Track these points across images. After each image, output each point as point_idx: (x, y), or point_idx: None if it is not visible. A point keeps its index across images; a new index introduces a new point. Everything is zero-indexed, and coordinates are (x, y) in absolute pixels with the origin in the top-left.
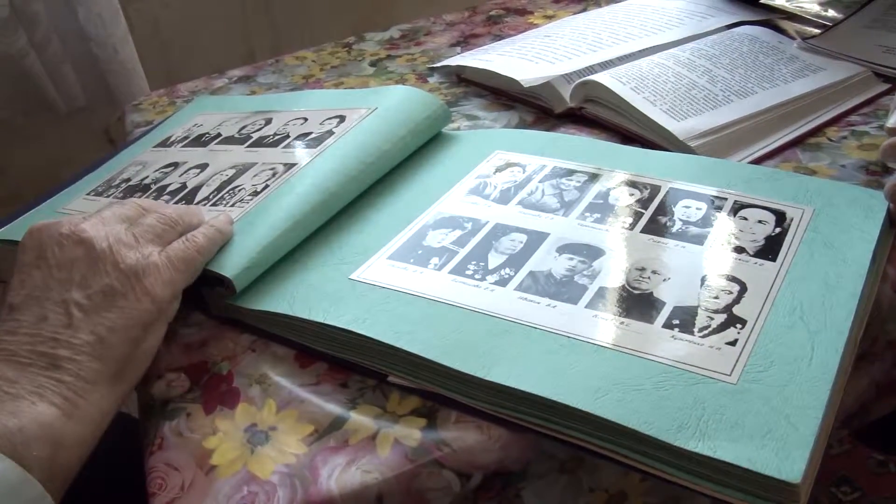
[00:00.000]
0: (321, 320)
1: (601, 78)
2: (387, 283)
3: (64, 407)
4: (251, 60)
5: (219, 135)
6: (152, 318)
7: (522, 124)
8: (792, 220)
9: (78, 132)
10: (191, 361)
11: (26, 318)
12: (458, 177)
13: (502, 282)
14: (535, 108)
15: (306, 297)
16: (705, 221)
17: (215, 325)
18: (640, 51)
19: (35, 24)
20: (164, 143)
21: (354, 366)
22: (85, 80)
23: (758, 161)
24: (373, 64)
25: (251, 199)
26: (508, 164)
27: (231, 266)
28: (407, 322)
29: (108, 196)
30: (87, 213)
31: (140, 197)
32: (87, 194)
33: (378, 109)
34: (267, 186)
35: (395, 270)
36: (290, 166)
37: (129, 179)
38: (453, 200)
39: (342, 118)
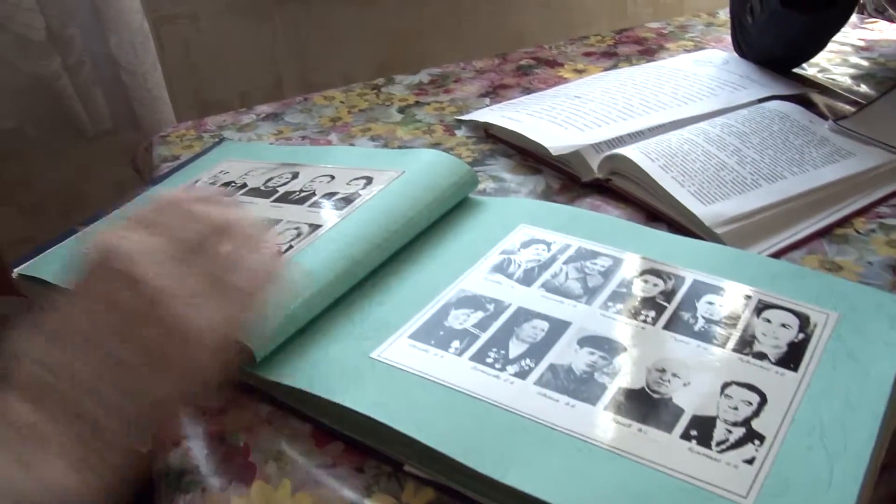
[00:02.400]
0: (340, 402)
1: (630, 153)
2: (407, 365)
3: (83, 468)
4: (278, 87)
5: (245, 185)
6: (193, 381)
7: (549, 191)
8: (816, 325)
9: (102, 154)
10: (208, 429)
11: (63, 358)
12: (483, 251)
13: (522, 374)
14: (562, 174)
15: (326, 375)
16: (729, 321)
17: (233, 391)
18: (671, 122)
19: (69, 48)
20: (191, 188)
21: (371, 449)
22: (113, 105)
23: (784, 251)
24: (401, 110)
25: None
26: (533, 241)
27: (251, 333)
28: (426, 411)
29: None
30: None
31: None
32: None
33: (406, 174)
34: (291, 247)
35: (416, 352)
36: (315, 227)
37: None
38: (477, 277)
39: (369, 180)
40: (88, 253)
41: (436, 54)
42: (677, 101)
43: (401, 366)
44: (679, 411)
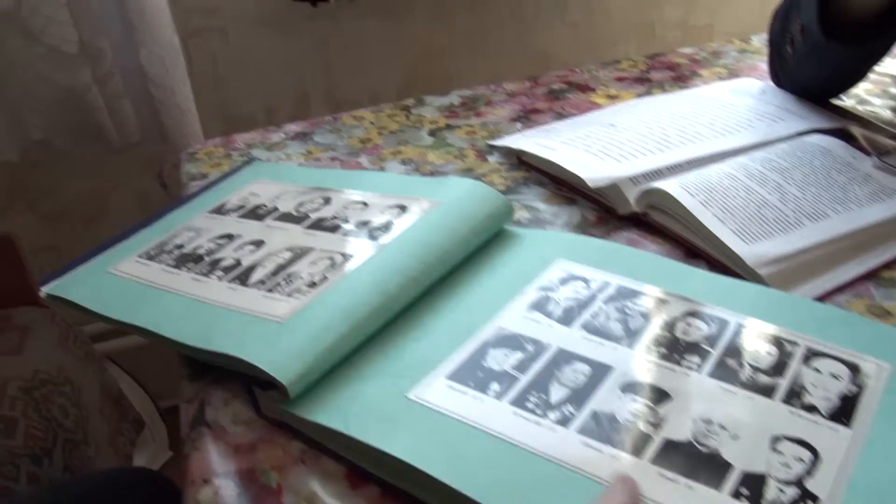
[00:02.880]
0: (376, 444)
1: (670, 188)
2: (445, 408)
3: None
4: (305, 102)
5: (275, 209)
6: None
7: (584, 223)
8: (868, 378)
9: (126, 165)
10: (239, 466)
11: None
12: (520, 286)
13: (564, 421)
14: (598, 205)
15: (361, 415)
16: (776, 369)
17: (265, 427)
18: (708, 155)
19: (100, 60)
20: (220, 210)
21: (407, 494)
22: (141, 117)
23: (829, 294)
24: (432, 133)
25: (308, 291)
26: (572, 277)
27: (286, 370)
28: (466, 458)
29: (161, 261)
30: (137, 277)
31: (192, 267)
32: (139, 256)
33: (441, 204)
34: (325, 278)
35: (455, 394)
36: (348, 257)
37: (181, 246)
38: (515, 315)
39: (403, 208)
40: None
41: (461, 72)
42: (715, 133)
43: (439, 408)
44: (728, 468)
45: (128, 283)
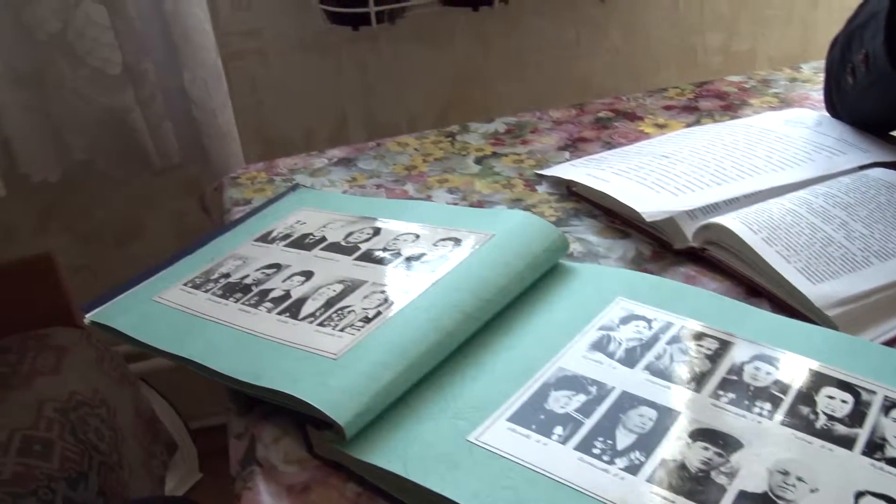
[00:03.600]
0: (438, 490)
1: (730, 223)
2: (508, 452)
3: None
4: (343, 126)
5: (323, 238)
6: None
7: (639, 257)
8: None
9: (162, 186)
10: None
11: None
12: (579, 325)
13: (633, 468)
14: (653, 239)
15: (420, 458)
16: (853, 419)
17: (318, 467)
18: (767, 189)
19: (143, 82)
20: (266, 239)
21: None
22: (182, 139)
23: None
24: (478, 161)
25: (362, 327)
26: (633, 317)
27: (342, 410)
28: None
29: (207, 290)
30: (183, 306)
31: (240, 298)
32: (185, 284)
33: (495, 237)
34: (379, 314)
35: (517, 437)
36: (401, 292)
37: (228, 275)
38: (575, 355)
39: (457, 242)
40: None
41: (500, 98)
42: (772, 166)
43: (501, 453)
44: None
45: (173, 312)
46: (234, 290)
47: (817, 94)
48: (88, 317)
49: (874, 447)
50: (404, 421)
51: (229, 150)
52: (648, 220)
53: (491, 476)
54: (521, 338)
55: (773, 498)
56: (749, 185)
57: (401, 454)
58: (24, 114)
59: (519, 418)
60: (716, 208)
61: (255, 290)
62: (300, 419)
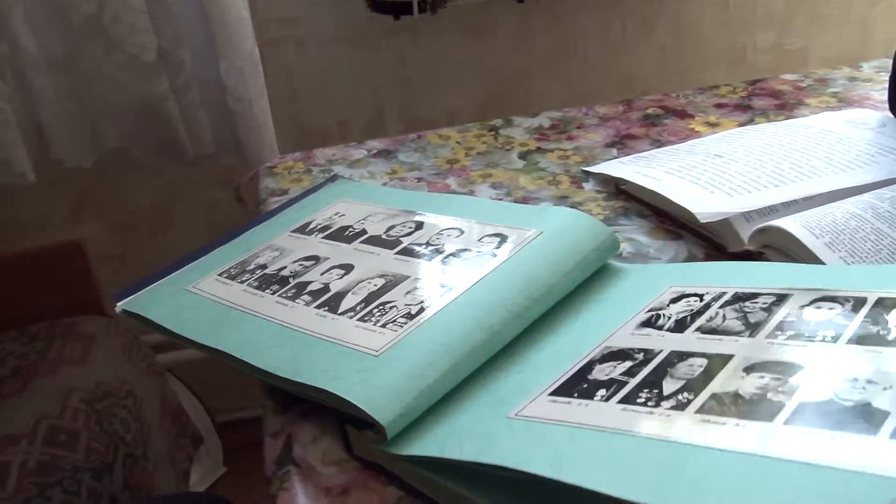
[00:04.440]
0: (473, 459)
1: (790, 226)
2: (549, 418)
3: None
4: (379, 118)
5: (364, 231)
6: None
7: (692, 259)
8: None
9: (196, 176)
10: None
11: None
12: (628, 313)
13: (680, 406)
14: (706, 241)
15: (458, 439)
16: None
17: (358, 469)
18: (827, 192)
19: (178, 71)
20: (303, 230)
21: None
22: (216, 129)
23: None
24: (522, 156)
25: (405, 323)
26: (684, 295)
27: (385, 409)
28: (570, 456)
29: (243, 281)
30: (218, 297)
31: (277, 290)
32: (220, 275)
33: (543, 234)
34: (422, 310)
35: (558, 406)
36: (446, 288)
37: (265, 266)
38: (623, 334)
39: (503, 238)
40: None
41: (542, 94)
42: (833, 168)
43: (541, 420)
44: (883, 414)
45: (208, 303)
46: (271, 281)
47: (879, 94)
48: (120, 305)
49: None
50: (443, 415)
51: (264, 141)
52: (702, 221)
53: (530, 441)
54: (567, 332)
55: (840, 400)
56: (808, 187)
57: (438, 441)
58: (58, 99)
59: (561, 391)
60: (773, 211)
61: (293, 282)
62: (339, 418)
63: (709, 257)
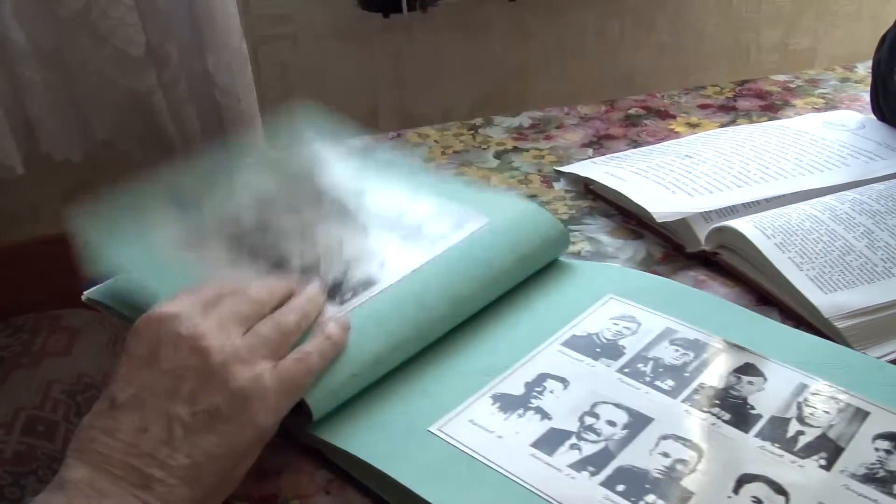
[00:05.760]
0: (384, 469)
1: (743, 226)
2: (464, 442)
3: None
4: (373, 116)
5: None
6: (251, 447)
7: (649, 259)
8: None
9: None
10: (262, 492)
11: (126, 423)
12: (562, 323)
13: (589, 471)
14: (667, 241)
15: (381, 443)
16: (839, 436)
17: (295, 453)
18: (791, 193)
19: (166, 65)
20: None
21: None
22: (204, 124)
23: None
24: (497, 155)
25: (350, 298)
26: (621, 317)
27: (312, 390)
28: (475, 493)
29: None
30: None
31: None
32: None
33: (492, 224)
34: (359, 292)
35: (475, 430)
36: (389, 269)
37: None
38: (551, 352)
39: (452, 223)
40: (148, 320)
41: (539, 94)
42: (801, 170)
43: (457, 442)
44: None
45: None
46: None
47: (868, 95)
48: (87, 293)
49: (854, 468)
50: (375, 408)
51: (253, 137)
52: (659, 220)
53: (444, 465)
54: (502, 334)
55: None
56: (772, 188)
57: (364, 438)
58: (47, 92)
59: (479, 413)
60: (733, 211)
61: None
62: None
63: (667, 258)
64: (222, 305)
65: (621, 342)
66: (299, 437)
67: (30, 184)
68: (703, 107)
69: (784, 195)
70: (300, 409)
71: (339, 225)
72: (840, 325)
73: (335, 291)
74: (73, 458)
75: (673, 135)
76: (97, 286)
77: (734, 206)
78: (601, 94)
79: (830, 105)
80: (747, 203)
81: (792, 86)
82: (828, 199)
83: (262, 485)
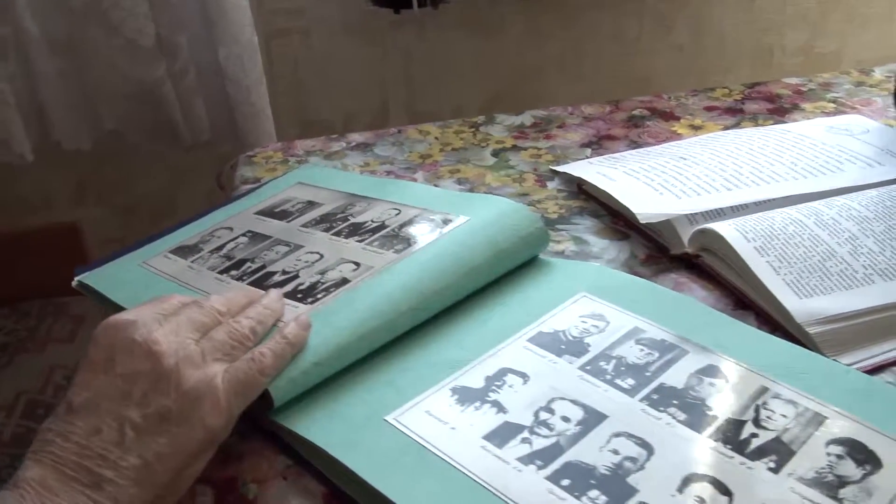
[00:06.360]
0: (336, 455)
1: (723, 229)
2: (417, 432)
3: None
4: (384, 112)
5: (305, 213)
6: (202, 448)
7: (632, 260)
8: (888, 468)
9: (198, 163)
10: (223, 475)
11: (80, 426)
12: (531, 319)
13: (536, 465)
14: (653, 243)
15: (335, 428)
16: (792, 439)
17: (258, 439)
18: (781, 197)
19: (175, 56)
20: (253, 213)
21: None
22: (213, 116)
23: (884, 366)
24: (495, 154)
25: (320, 298)
26: (591, 315)
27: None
28: (423, 485)
29: (188, 259)
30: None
31: (216, 267)
32: (170, 252)
33: (470, 222)
34: (331, 291)
35: (430, 420)
36: (363, 269)
37: (213, 246)
38: (515, 348)
39: (435, 223)
40: (106, 327)
41: (553, 94)
42: (794, 174)
43: (411, 432)
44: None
45: (154, 278)
46: (214, 260)
47: (882, 99)
48: (78, 279)
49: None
50: (335, 398)
51: (262, 129)
52: (642, 220)
53: (395, 452)
54: (469, 329)
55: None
56: (761, 192)
57: (321, 425)
58: (59, 81)
59: (436, 405)
60: (720, 214)
61: (233, 260)
62: None
63: (649, 259)
64: (180, 314)
65: (587, 340)
66: (262, 423)
67: (45, 173)
68: (709, 109)
69: (774, 199)
70: (264, 396)
71: (316, 240)
72: (812, 330)
73: (309, 292)
74: (30, 460)
75: (675, 136)
76: (88, 272)
77: (721, 209)
78: (616, 97)
79: (840, 109)
80: (735, 206)
81: (804, 89)
82: (816, 203)
83: (224, 468)
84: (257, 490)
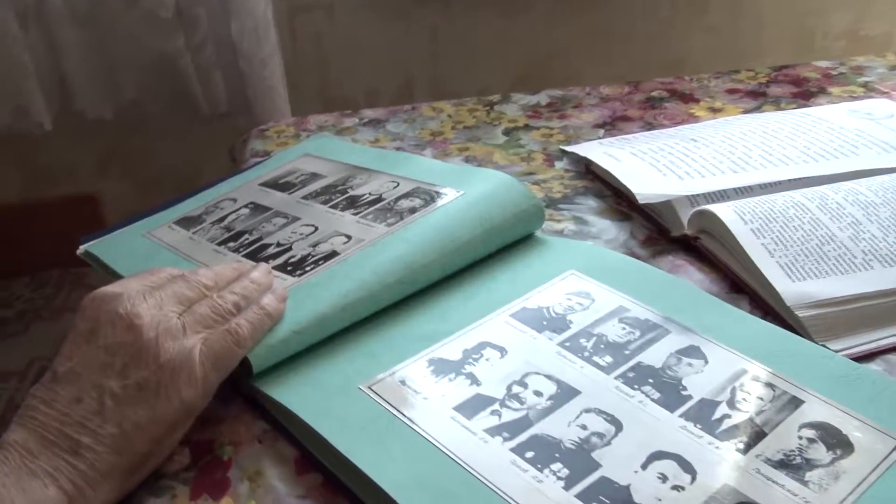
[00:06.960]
0: (307, 420)
1: (721, 211)
2: (389, 401)
3: (72, 494)
4: (407, 89)
5: (306, 185)
6: (179, 418)
7: (631, 241)
8: (859, 453)
9: (219, 136)
10: (200, 437)
11: (63, 394)
12: (517, 295)
13: (503, 437)
14: (654, 224)
15: (311, 394)
16: (765, 422)
17: (239, 404)
18: (788, 180)
19: (194, 28)
20: (256, 184)
21: (346, 488)
22: (230, 88)
23: (881, 352)
24: (506, 133)
25: (311, 270)
26: (577, 293)
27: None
28: (391, 454)
29: (189, 230)
30: (165, 242)
31: (216, 238)
32: (174, 223)
33: (466, 195)
34: (320, 262)
35: (403, 390)
36: (358, 241)
37: (214, 217)
38: (498, 323)
39: (428, 198)
40: (93, 299)
41: (581, 75)
42: (805, 158)
43: (384, 401)
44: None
45: (157, 248)
46: (215, 231)
47: None
48: (83, 247)
49: (772, 452)
50: (315, 366)
51: (275, 103)
52: (640, 201)
53: (366, 420)
54: (456, 304)
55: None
56: (770, 174)
57: (297, 392)
58: (80, 51)
59: (411, 376)
60: (723, 196)
61: (232, 232)
62: None
63: (648, 241)
64: (166, 288)
65: (570, 317)
66: (242, 388)
67: (65, 143)
68: (731, 91)
69: (780, 182)
70: (244, 363)
71: (315, 212)
72: (802, 314)
73: (299, 265)
74: (15, 423)
75: (691, 119)
76: (93, 241)
77: (725, 191)
78: (648, 78)
79: (870, 94)
80: (740, 188)
81: (833, 73)
82: (823, 188)
83: (203, 430)
84: (232, 451)
